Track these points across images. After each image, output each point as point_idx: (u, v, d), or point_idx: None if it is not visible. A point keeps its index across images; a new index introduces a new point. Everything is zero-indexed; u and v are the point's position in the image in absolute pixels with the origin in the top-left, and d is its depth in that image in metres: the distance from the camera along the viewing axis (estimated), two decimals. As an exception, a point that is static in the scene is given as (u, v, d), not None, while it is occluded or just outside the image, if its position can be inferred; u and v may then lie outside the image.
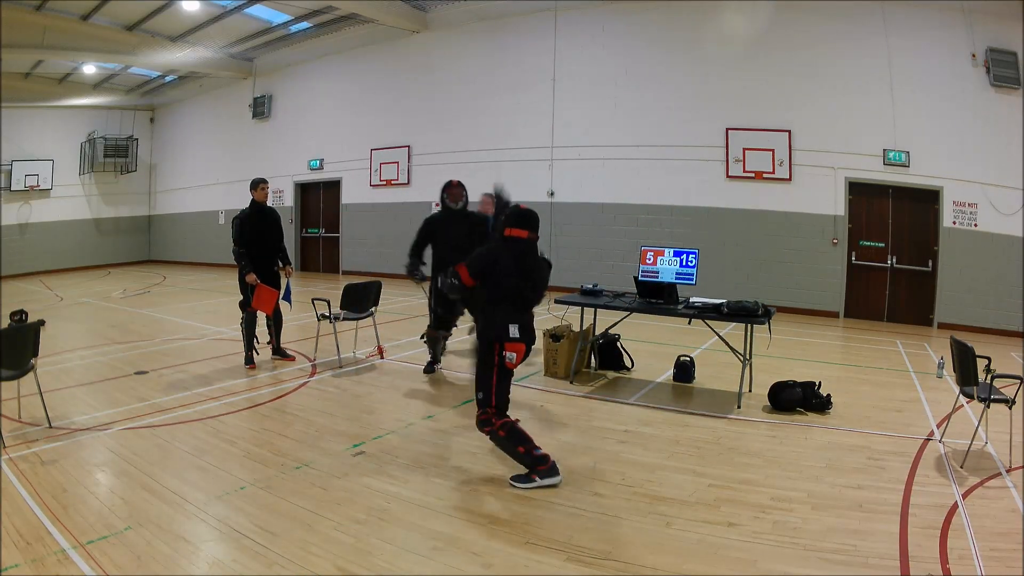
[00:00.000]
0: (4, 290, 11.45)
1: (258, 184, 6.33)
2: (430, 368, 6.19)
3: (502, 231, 3.88)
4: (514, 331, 3.69)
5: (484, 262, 3.77)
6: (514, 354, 3.69)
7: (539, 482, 3.60)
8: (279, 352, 6.55)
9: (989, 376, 4.06)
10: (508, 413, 3.79)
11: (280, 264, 6.44)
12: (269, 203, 6.53)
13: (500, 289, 3.72)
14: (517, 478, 3.66)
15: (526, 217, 3.87)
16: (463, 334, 6.77)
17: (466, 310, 4.03)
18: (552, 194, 12.03)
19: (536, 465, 3.64)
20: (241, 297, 6.29)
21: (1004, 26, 8.87)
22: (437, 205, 5.85)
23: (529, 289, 3.82)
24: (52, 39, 12.14)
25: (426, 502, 3.43)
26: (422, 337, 6.35)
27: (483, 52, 12.96)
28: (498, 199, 5.09)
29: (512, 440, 3.68)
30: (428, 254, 5.90)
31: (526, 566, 2.82)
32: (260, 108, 16.26)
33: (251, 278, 6.09)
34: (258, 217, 6.26)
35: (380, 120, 14.32)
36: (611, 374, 6.20)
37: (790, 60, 10.11)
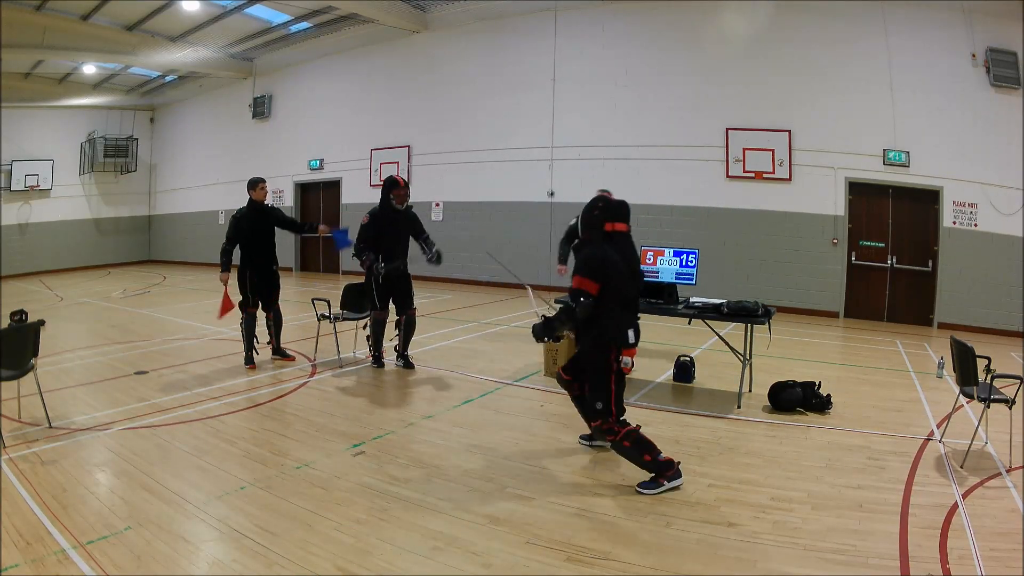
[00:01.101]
0: (4, 290, 11.45)
1: (256, 184, 6.31)
2: (380, 363, 6.32)
3: (598, 226, 3.72)
4: (632, 336, 3.65)
5: (601, 265, 3.59)
6: (630, 359, 3.64)
7: (667, 486, 3.58)
8: (279, 352, 6.54)
9: (989, 376, 4.06)
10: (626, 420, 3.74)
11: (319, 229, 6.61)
12: (269, 203, 6.53)
13: (616, 292, 3.61)
14: (644, 484, 3.59)
15: (622, 209, 3.78)
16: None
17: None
18: (552, 194, 12.03)
19: (664, 471, 3.60)
20: (241, 297, 6.30)
21: (1004, 26, 8.87)
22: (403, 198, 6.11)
23: (637, 288, 3.76)
24: (52, 39, 12.14)
25: (426, 502, 3.42)
26: (365, 327, 6.45)
27: (483, 52, 12.96)
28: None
29: (638, 449, 3.63)
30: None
31: (526, 566, 2.81)
32: (260, 108, 16.27)
33: (223, 277, 6.19)
34: (256, 216, 6.26)
35: (380, 120, 14.32)
36: (611, 374, 6.18)
37: (790, 60, 10.12)
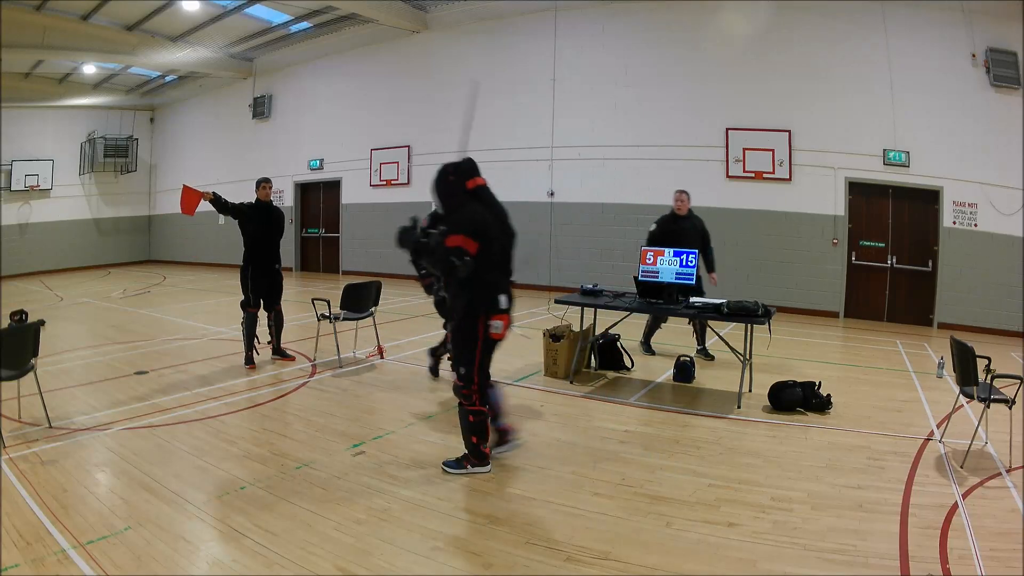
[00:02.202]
0: (4, 290, 11.45)
1: (260, 183, 6.37)
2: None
3: (460, 189, 3.61)
4: (504, 301, 3.58)
5: (475, 219, 3.51)
6: (501, 323, 3.57)
7: (469, 470, 3.75)
8: (279, 352, 6.55)
9: (989, 376, 4.05)
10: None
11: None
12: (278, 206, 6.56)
13: (492, 255, 3.53)
14: (450, 463, 3.81)
15: (473, 163, 3.74)
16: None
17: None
18: (552, 194, 12.02)
19: (477, 459, 3.75)
20: (242, 297, 6.30)
21: (1004, 26, 8.87)
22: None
23: (511, 245, 3.68)
24: (52, 39, 12.14)
25: (426, 502, 3.42)
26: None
27: (483, 52, 12.96)
28: None
29: (475, 429, 3.73)
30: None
31: (526, 566, 2.81)
32: (260, 108, 16.26)
33: (207, 194, 6.09)
34: (260, 215, 6.28)
35: (380, 120, 14.32)
36: (611, 374, 6.19)
37: (790, 60, 10.11)
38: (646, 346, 6.98)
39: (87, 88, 16.67)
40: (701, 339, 6.92)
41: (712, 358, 6.78)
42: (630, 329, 6.58)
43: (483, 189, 3.69)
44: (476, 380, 3.66)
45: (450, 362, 5.44)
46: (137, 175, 18.53)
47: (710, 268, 6.77)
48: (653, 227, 6.63)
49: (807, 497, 3.54)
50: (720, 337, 6.07)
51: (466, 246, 3.46)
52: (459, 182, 3.67)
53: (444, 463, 3.84)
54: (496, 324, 3.57)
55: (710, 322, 6.02)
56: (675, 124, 11.00)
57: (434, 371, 5.99)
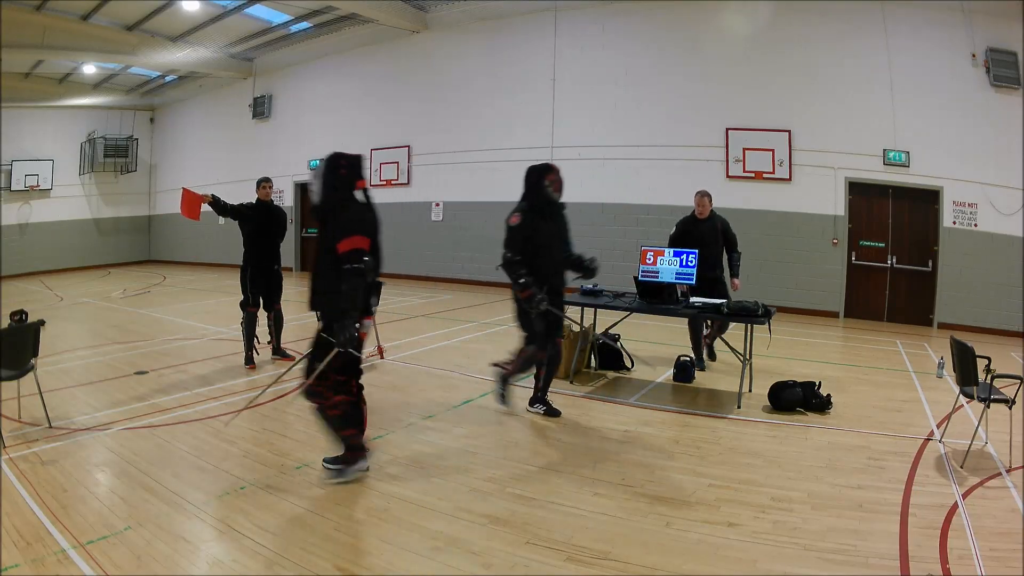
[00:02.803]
0: (4, 290, 11.44)
1: (260, 183, 6.39)
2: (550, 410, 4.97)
3: (350, 186, 3.50)
4: (374, 302, 3.59)
5: (365, 220, 3.48)
6: (369, 322, 3.57)
7: (352, 467, 3.64)
8: (279, 352, 6.55)
9: (989, 376, 4.06)
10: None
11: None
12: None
13: (376, 256, 3.52)
14: (329, 461, 3.69)
15: (362, 161, 3.62)
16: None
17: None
18: (552, 194, 12.00)
19: (355, 455, 3.63)
20: (242, 297, 6.30)
21: (1004, 26, 8.87)
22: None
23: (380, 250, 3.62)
24: (52, 39, 12.14)
25: (426, 502, 3.42)
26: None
27: (483, 52, 12.96)
28: None
29: (342, 422, 3.56)
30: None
31: (526, 566, 2.81)
32: (260, 108, 16.26)
33: (206, 196, 6.09)
34: (259, 213, 6.29)
35: (380, 120, 14.31)
36: (611, 374, 6.20)
37: (790, 60, 10.12)
38: (700, 357, 6.36)
39: (87, 88, 16.66)
40: (710, 345, 6.65)
41: (714, 358, 6.72)
42: (630, 329, 6.58)
43: (366, 192, 3.63)
44: (330, 378, 3.47)
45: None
46: (137, 175, 18.52)
47: (733, 273, 6.51)
48: (673, 230, 6.41)
49: (807, 497, 3.54)
50: (720, 337, 6.07)
51: (364, 245, 3.45)
52: (350, 179, 3.56)
53: (324, 460, 3.68)
54: (366, 324, 3.56)
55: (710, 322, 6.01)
56: (675, 124, 11.00)
57: (503, 397, 4.97)
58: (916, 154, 9.50)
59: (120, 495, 3.45)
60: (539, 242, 4.57)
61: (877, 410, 5.21)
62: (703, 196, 6.40)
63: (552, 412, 4.89)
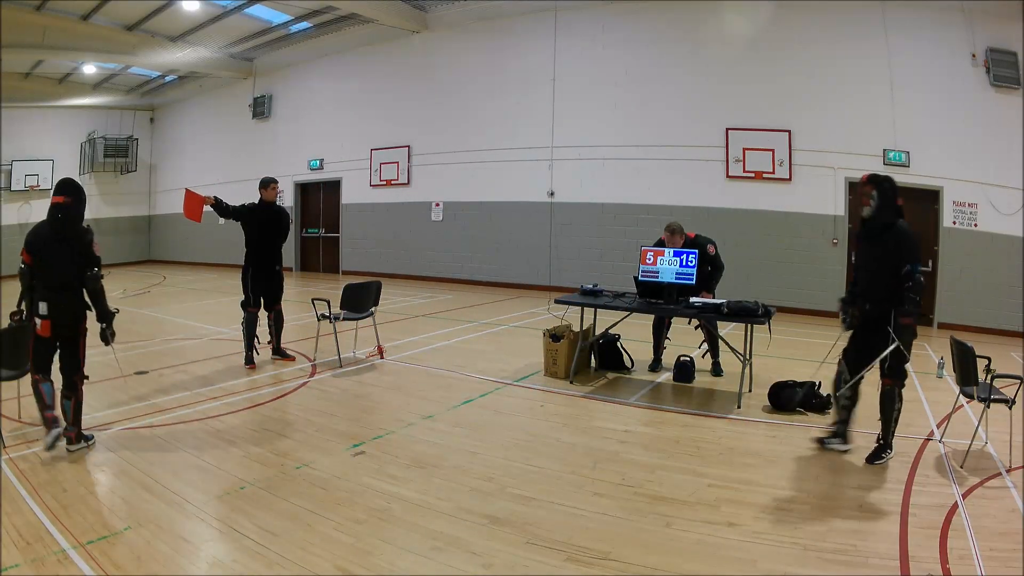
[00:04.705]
0: (4, 290, 11.43)
1: (268, 184, 6.38)
2: None
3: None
4: (43, 308, 4.04)
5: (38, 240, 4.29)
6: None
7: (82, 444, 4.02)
8: (279, 352, 6.54)
9: (989, 376, 4.06)
10: None
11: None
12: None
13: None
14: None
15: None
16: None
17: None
18: (552, 194, 12.02)
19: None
20: (243, 297, 6.30)
21: (1004, 26, 8.88)
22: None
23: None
24: (52, 39, 12.14)
25: (426, 502, 3.42)
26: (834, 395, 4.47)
27: (483, 52, 12.97)
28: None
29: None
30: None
31: (526, 566, 2.81)
32: (260, 108, 16.27)
33: (209, 198, 6.11)
34: (262, 214, 6.29)
35: (380, 120, 14.33)
36: (611, 374, 6.20)
37: (790, 60, 10.12)
38: (658, 359, 6.42)
39: (87, 88, 16.67)
40: (713, 352, 6.32)
41: (720, 374, 6.27)
42: (630, 329, 6.58)
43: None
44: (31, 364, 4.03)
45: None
46: (137, 175, 18.54)
47: (708, 288, 5.93)
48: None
49: (807, 497, 3.54)
50: (720, 337, 6.06)
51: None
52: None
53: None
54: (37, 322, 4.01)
55: (717, 333, 5.95)
56: (675, 124, 11.01)
57: None
58: (916, 154, 9.50)
59: (120, 495, 3.45)
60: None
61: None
62: (672, 233, 5.86)
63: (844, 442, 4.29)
